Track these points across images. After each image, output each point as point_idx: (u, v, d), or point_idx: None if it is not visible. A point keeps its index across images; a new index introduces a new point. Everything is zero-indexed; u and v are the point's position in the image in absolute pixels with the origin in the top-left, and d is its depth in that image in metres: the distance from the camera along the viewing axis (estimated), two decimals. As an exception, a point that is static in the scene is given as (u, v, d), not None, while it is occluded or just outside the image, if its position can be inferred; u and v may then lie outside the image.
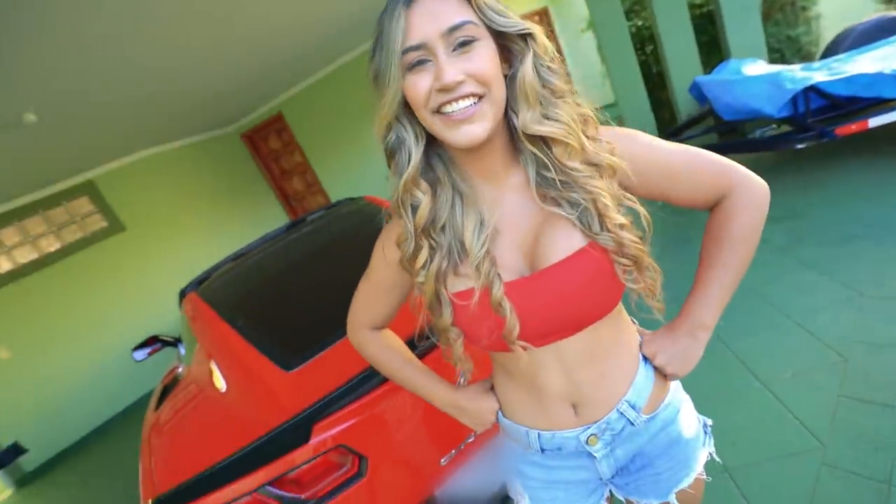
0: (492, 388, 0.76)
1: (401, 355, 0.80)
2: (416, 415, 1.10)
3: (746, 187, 0.64)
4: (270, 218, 5.88)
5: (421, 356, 0.84)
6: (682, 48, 3.87)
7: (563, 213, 0.58)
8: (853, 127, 2.50)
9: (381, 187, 0.92)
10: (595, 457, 0.70)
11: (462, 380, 0.76)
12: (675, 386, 0.75)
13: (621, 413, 0.67)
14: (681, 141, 3.79)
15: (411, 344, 0.82)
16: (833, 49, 3.28)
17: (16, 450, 2.65)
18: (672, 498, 0.73)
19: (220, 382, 1.42)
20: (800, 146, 2.74)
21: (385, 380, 1.06)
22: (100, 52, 2.18)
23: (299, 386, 1.21)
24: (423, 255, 0.60)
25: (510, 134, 0.60)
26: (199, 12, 2.36)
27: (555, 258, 0.58)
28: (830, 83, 2.55)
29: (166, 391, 1.76)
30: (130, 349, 2.51)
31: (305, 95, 5.29)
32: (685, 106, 3.99)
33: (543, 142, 0.57)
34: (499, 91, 0.54)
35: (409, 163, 0.57)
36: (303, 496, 1.05)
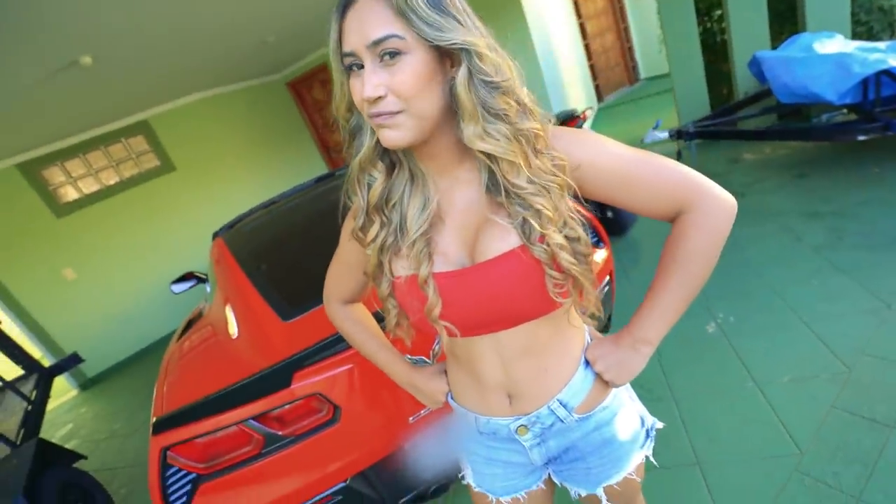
0: (445, 373, 0.80)
1: (368, 331, 0.84)
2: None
3: (707, 204, 0.61)
4: (310, 167, 6.04)
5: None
6: (750, 16, 3.49)
7: (500, 221, 0.59)
8: (927, 121, 2.23)
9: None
10: (524, 445, 0.74)
11: (432, 358, 0.81)
12: (620, 391, 0.76)
13: (552, 410, 0.70)
14: (735, 121, 3.52)
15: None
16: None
17: (75, 358, 3.05)
18: (599, 491, 0.77)
19: (230, 323, 1.57)
20: (862, 137, 2.49)
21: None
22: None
23: (291, 335, 1.32)
24: (374, 229, 0.63)
25: (460, 138, 0.59)
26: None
27: (489, 255, 0.59)
28: (909, 68, 2.26)
29: (189, 325, 1.96)
30: (169, 282, 2.76)
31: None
32: (745, 82, 3.65)
33: (490, 155, 0.56)
34: (423, 104, 0.53)
35: (364, 145, 0.60)
36: (281, 433, 1.18)
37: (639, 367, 0.70)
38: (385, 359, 0.84)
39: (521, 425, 0.71)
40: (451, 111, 0.56)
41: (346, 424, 1.19)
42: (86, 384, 4.65)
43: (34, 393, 2.69)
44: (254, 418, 1.16)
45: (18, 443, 2.23)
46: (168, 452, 1.16)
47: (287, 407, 1.18)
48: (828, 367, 1.64)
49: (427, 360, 1.17)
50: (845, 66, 2.37)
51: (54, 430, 3.91)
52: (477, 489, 0.82)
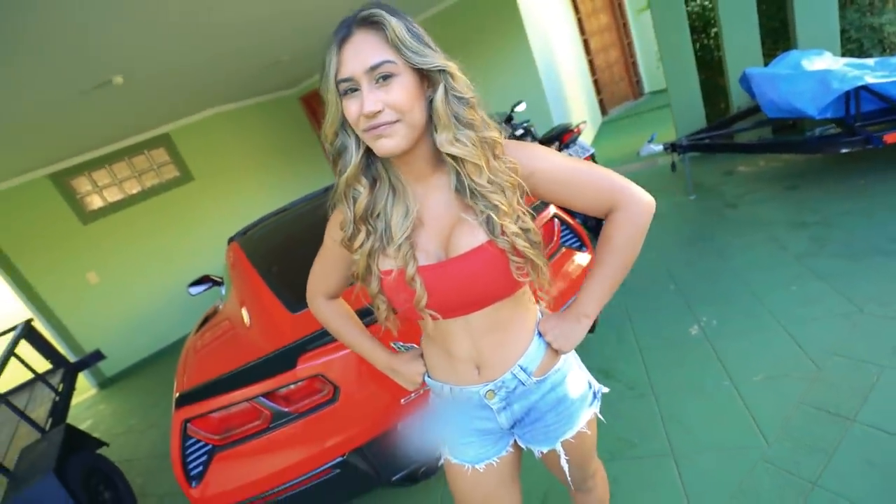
0: (421, 356, 0.92)
1: (350, 322, 0.95)
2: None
3: (631, 204, 0.76)
4: (320, 178, 6.27)
5: (368, 325, 0.99)
6: (743, 34, 3.63)
7: (468, 219, 0.73)
8: (904, 135, 2.33)
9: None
10: (492, 409, 0.87)
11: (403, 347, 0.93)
12: (569, 356, 0.90)
13: (514, 374, 0.83)
14: (731, 134, 3.64)
15: (361, 314, 0.99)
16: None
17: (98, 355, 3.25)
18: (558, 446, 0.90)
19: (243, 317, 1.73)
20: (845, 150, 2.59)
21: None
22: (178, 21, 2.50)
23: (298, 325, 1.47)
24: (361, 237, 0.75)
25: (434, 148, 0.73)
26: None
27: (461, 250, 0.73)
28: (886, 84, 2.37)
29: (206, 321, 2.13)
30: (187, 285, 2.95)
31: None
32: (740, 97, 3.77)
33: (459, 159, 0.68)
34: (415, 115, 0.65)
35: (350, 163, 0.70)
36: (288, 409, 1.33)
37: (580, 336, 0.84)
38: (367, 347, 0.95)
39: (490, 390, 0.84)
40: (427, 125, 0.69)
41: (344, 404, 1.34)
42: (104, 383, 4.87)
43: (61, 385, 2.88)
44: (264, 395, 1.31)
45: (47, 429, 2.41)
46: (188, 425, 1.31)
47: (293, 386, 1.33)
48: (799, 367, 1.74)
49: (417, 346, 1.30)
50: (825, 82, 2.49)
51: (76, 424, 4.09)
52: (454, 461, 0.92)
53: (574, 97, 6.09)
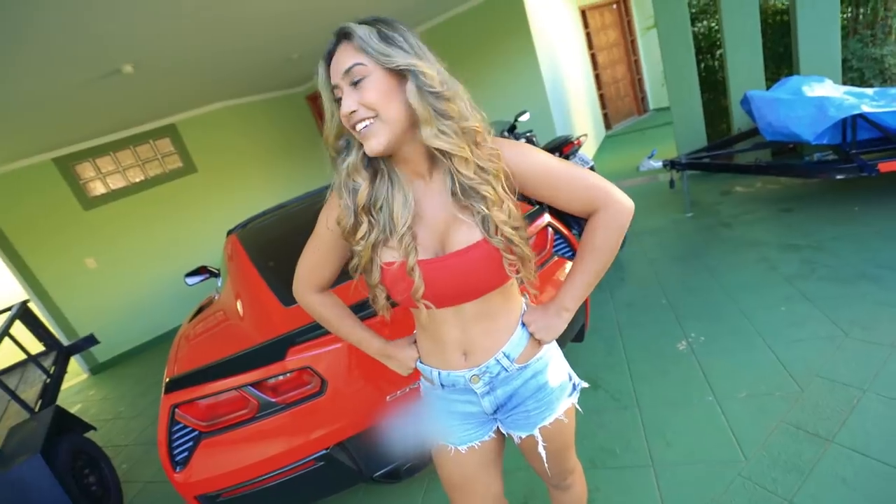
0: (415, 343, 0.98)
1: (343, 312, 0.99)
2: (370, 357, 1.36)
3: (612, 207, 0.80)
4: (322, 178, 6.30)
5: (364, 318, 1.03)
6: (747, 57, 3.69)
7: (465, 219, 0.77)
8: (898, 164, 2.37)
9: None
10: (477, 393, 0.91)
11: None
12: (551, 348, 0.95)
13: (497, 361, 0.88)
14: (730, 154, 3.69)
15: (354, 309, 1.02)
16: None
17: (91, 340, 3.26)
18: (536, 432, 0.94)
19: (237, 308, 1.76)
20: (839, 177, 2.64)
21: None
22: (192, 13, 2.54)
23: (290, 318, 1.50)
24: (364, 229, 0.79)
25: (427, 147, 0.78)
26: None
27: (458, 246, 0.78)
28: (882, 114, 2.42)
29: (201, 310, 2.15)
30: (184, 275, 2.97)
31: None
32: (741, 119, 3.83)
33: (446, 154, 0.75)
34: (390, 111, 0.70)
35: (349, 156, 0.77)
36: (275, 400, 1.35)
37: (560, 328, 0.89)
38: (361, 335, 0.99)
39: (475, 374, 0.88)
40: (412, 122, 0.72)
41: (330, 397, 1.36)
42: (96, 368, 4.87)
43: (53, 368, 2.90)
44: (252, 385, 1.33)
45: (37, 410, 2.42)
46: (176, 410, 1.33)
47: (281, 378, 1.35)
48: (782, 386, 1.77)
49: None
50: (823, 108, 2.53)
51: (66, 407, 4.10)
52: (440, 442, 0.98)
53: (578, 110, 6.15)
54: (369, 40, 0.68)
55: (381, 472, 1.45)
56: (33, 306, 3.77)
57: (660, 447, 1.69)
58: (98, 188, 4.85)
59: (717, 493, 1.45)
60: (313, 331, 1.34)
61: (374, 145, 0.72)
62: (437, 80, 0.70)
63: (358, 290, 0.88)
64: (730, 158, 3.61)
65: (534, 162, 0.79)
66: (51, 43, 2.31)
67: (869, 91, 2.85)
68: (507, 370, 0.89)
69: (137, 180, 5.03)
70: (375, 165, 0.80)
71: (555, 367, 0.95)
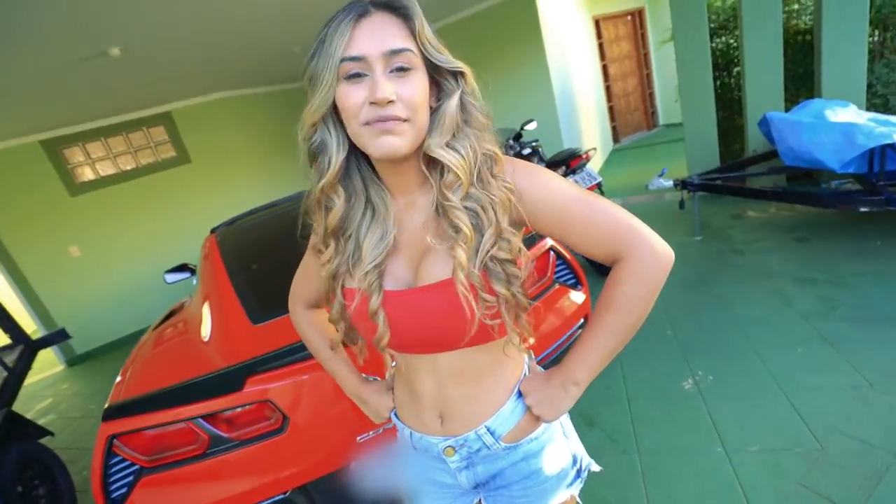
0: (392, 390, 0.82)
1: (325, 337, 0.85)
2: (341, 390, 1.19)
3: (643, 255, 0.61)
4: (322, 175, 6.15)
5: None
6: (767, 76, 3.53)
7: (439, 247, 0.60)
8: (930, 200, 2.21)
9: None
10: (451, 467, 0.75)
11: (389, 372, 0.81)
12: (553, 425, 0.75)
13: (479, 436, 0.71)
14: (744, 177, 3.53)
15: None
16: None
17: (62, 334, 3.08)
18: None
19: (203, 320, 1.59)
20: (864, 209, 2.47)
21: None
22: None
23: (256, 339, 1.33)
24: (329, 253, 0.66)
25: (426, 161, 0.63)
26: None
27: (428, 280, 0.62)
28: (914, 146, 2.26)
29: (170, 316, 1.98)
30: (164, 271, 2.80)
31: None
32: (756, 140, 3.66)
33: (440, 170, 0.60)
34: (423, 118, 0.58)
35: (329, 167, 0.60)
36: (229, 435, 1.18)
37: (566, 406, 0.70)
38: (338, 367, 0.86)
39: (449, 446, 0.72)
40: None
41: (292, 435, 1.19)
42: (73, 360, 4.70)
43: (17, 364, 2.71)
44: (203, 417, 1.16)
45: (-12, 411, 2.24)
46: (115, 441, 1.16)
47: (237, 410, 1.18)
48: (800, 442, 1.59)
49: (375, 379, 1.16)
50: (850, 135, 2.37)
51: (35, 402, 3.94)
52: None
53: (587, 121, 5.99)
54: (428, 31, 0.57)
55: (348, 519, 1.28)
56: (4, 295, 3.60)
57: (660, 501, 1.52)
58: (86, 174, 4.69)
59: (726, 566, 1.28)
60: (277, 359, 1.17)
61: (397, 146, 0.56)
62: (475, 87, 0.62)
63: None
64: (743, 181, 3.44)
65: (545, 190, 0.61)
66: (33, 19, 2.15)
67: (894, 119, 2.69)
68: (489, 448, 0.72)
69: (128, 168, 4.87)
70: (352, 184, 0.64)
71: (555, 449, 0.75)
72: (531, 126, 3.76)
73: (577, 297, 1.66)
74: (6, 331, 2.92)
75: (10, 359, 2.77)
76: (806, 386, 1.83)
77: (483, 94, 0.63)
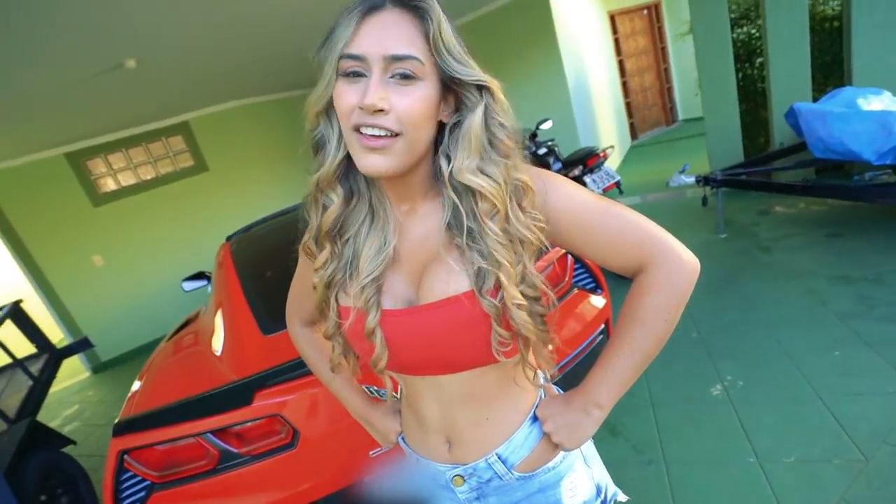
0: (399, 412, 0.77)
1: (326, 357, 0.79)
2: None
3: (668, 264, 0.57)
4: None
5: None
6: (793, 65, 3.38)
7: (451, 263, 0.56)
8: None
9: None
10: (459, 498, 0.69)
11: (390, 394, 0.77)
12: (573, 452, 0.69)
13: (490, 464, 0.65)
14: (770, 171, 3.38)
15: None
16: None
17: (85, 343, 3.16)
18: None
19: (215, 331, 1.58)
20: (902, 203, 2.33)
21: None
22: (197, 9, 2.41)
23: (267, 350, 1.31)
24: (324, 256, 0.61)
25: (433, 173, 0.59)
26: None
27: (432, 297, 0.56)
28: (958, 134, 2.11)
29: (185, 325, 1.98)
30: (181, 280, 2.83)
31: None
32: (782, 133, 3.51)
33: (471, 193, 0.54)
34: (420, 134, 0.52)
35: (326, 162, 0.56)
36: (239, 451, 1.16)
37: (590, 432, 0.64)
38: (341, 388, 0.82)
39: (458, 475, 0.67)
40: (429, 149, 0.56)
41: (303, 450, 1.16)
42: (98, 367, 4.81)
43: (43, 373, 2.78)
44: (213, 432, 1.14)
45: (14, 420, 2.29)
46: (125, 457, 1.15)
47: (247, 425, 1.16)
48: (841, 453, 1.49)
49: (377, 389, 1.10)
50: (888, 124, 2.24)
51: (62, 409, 4.03)
52: None
53: (604, 118, 5.87)
54: (449, 35, 0.50)
55: (361, 536, 1.24)
56: (32, 304, 3.70)
57: (690, 518, 1.44)
58: (108, 184, 4.80)
59: (764, 589, 1.19)
60: (287, 372, 1.14)
61: (381, 166, 0.51)
62: (504, 106, 0.55)
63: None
64: (769, 176, 3.30)
65: (566, 200, 0.57)
66: (50, 34, 2.19)
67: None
68: (501, 478, 0.66)
69: (148, 178, 4.97)
70: (354, 183, 0.60)
71: (575, 480, 0.69)
72: (546, 125, 3.69)
73: (598, 301, 1.60)
74: (32, 340, 3.00)
75: (35, 368, 2.84)
76: (845, 391, 1.72)
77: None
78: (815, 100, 3.33)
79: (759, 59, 4.02)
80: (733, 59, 3.70)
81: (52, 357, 2.99)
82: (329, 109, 0.55)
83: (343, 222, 0.60)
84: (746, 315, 2.34)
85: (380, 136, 0.50)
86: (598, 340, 1.58)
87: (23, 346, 2.99)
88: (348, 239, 0.61)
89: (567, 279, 1.55)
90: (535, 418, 0.67)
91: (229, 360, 1.33)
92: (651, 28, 7.36)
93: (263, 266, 1.89)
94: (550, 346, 0.62)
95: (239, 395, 1.14)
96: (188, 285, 2.84)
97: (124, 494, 1.16)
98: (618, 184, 3.17)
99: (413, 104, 0.50)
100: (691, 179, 3.25)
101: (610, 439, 1.81)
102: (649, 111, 7.57)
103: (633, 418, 1.89)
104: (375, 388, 1.08)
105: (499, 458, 0.65)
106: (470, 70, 0.52)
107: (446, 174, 0.54)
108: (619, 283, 2.88)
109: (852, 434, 1.54)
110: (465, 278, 0.55)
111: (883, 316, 2.05)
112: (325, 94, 0.53)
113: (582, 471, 0.70)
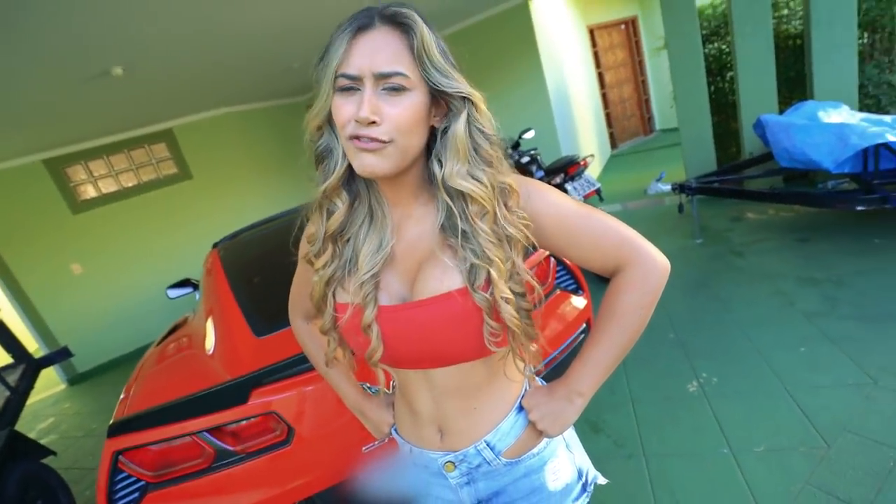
0: (392, 406, 0.82)
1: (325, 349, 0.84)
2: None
3: (643, 265, 0.63)
4: (322, 188, 6.18)
5: None
6: (759, 80, 3.57)
7: (445, 260, 0.61)
8: (925, 197, 2.22)
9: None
10: (451, 484, 0.74)
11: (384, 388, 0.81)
12: (555, 439, 0.75)
13: (478, 451, 0.70)
14: (741, 179, 3.55)
15: None
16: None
17: (65, 352, 3.09)
18: None
19: (207, 334, 1.59)
20: (860, 208, 2.49)
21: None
22: (185, 20, 2.44)
23: (260, 351, 1.34)
24: (325, 258, 0.65)
25: (427, 177, 0.64)
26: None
27: (426, 293, 0.61)
28: (907, 145, 2.28)
29: (173, 331, 1.99)
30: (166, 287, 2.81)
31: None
32: (751, 143, 3.70)
33: (462, 196, 0.59)
34: (411, 140, 0.57)
35: (333, 171, 0.61)
36: (234, 448, 1.18)
37: (572, 418, 0.70)
38: (340, 381, 0.86)
39: (449, 461, 0.72)
40: (422, 153, 0.61)
41: (298, 447, 1.19)
42: (74, 379, 4.68)
43: (20, 384, 2.71)
44: (208, 431, 1.16)
45: (-8, 431, 2.23)
46: (120, 457, 1.16)
47: (243, 423, 1.18)
48: (806, 441, 1.59)
49: (370, 386, 1.15)
50: (844, 136, 2.40)
51: (36, 422, 3.91)
52: None
53: (584, 128, 6.04)
54: (432, 49, 0.54)
55: (354, 531, 1.27)
56: (6, 313, 3.61)
57: (668, 505, 1.51)
58: (89, 191, 4.72)
59: (737, 569, 1.27)
60: (281, 371, 1.18)
61: (373, 165, 0.56)
62: (486, 116, 0.60)
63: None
64: (740, 184, 3.47)
65: (553, 208, 0.63)
66: (36, 40, 2.19)
67: (887, 118, 2.72)
68: (489, 463, 0.71)
69: (130, 185, 4.90)
70: (356, 186, 0.65)
71: (558, 465, 0.74)
72: (529, 135, 3.80)
73: (579, 302, 1.67)
74: (9, 350, 2.93)
75: (12, 378, 2.76)
76: (810, 385, 1.83)
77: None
78: (781, 112, 3.52)
79: (730, 73, 4.23)
80: (705, 73, 3.89)
81: (29, 367, 2.91)
82: (330, 122, 0.60)
83: (347, 225, 0.65)
84: (720, 316, 2.46)
85: (373, 140, 0.55)
86: (580, 339, 1.65)
87: (-1, 357, 2.92)
88: (349, 239, 0.65)
89: (550, 281, 1.63)
90: (520, 408, 0.72)
91: (223, 362, 1.35)
92: (629, 42, 7.63)
93: (252, 271, 1.91)
94: (534, 347, 0.67)
95: (235, 393, 1.17)
96: (173, 293, 2.82)
97: (118, 495, 1.17)
98: (598, 191, 3.28)
99: (403, 113, 0.54)
100: (668, 187, 3.39)
101: (592, 435, 1.88)
102: (628, 121, 7.81)
103: (614, 415, 1.96)
104: (369, 384, 1.13)
105: (487, 444, 0.70)
106: (452, 82, 0.56)
107: (440, 179, 0.60)
108: (601, 286, 2.98)
109: (816, 423, 1.64)
110: (458, 276, 0.60)
111: (844, 314, 2.18)
112: (324, 108, 0.58)
113: (564, 456, 0.76)
